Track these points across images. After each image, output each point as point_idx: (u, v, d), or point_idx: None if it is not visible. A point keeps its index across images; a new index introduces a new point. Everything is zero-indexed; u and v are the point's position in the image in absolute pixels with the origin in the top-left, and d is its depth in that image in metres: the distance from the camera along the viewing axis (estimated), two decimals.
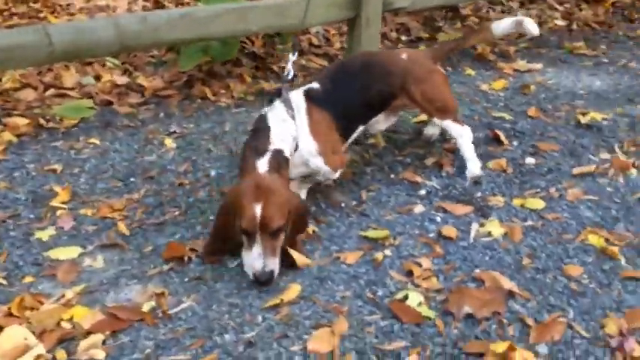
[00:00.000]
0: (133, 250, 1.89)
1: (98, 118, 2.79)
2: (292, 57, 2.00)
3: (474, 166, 2.21)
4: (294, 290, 1.66)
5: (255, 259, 1.65)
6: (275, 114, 1.88)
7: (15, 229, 1.98)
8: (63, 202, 2.14)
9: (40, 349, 1.46)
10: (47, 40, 2.32)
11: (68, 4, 4.11)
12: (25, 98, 2.91)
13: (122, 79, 3.10)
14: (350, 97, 2.01)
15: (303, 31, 3.69)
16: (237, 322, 1.56)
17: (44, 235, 1.96)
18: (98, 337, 1.51)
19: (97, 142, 2.56)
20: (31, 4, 4.15)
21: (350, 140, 2.10)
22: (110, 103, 2.92)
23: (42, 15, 3.90)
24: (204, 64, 3.18)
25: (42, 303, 1.65)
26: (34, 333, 1.51)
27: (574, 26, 4.11)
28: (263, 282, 1.66)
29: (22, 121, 2.69)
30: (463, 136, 2.22)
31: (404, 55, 2.19)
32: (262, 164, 1.77)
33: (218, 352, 1.46)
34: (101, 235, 1.97)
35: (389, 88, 2.11)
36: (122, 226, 1.99)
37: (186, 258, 1.81)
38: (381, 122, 2.23)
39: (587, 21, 4.19)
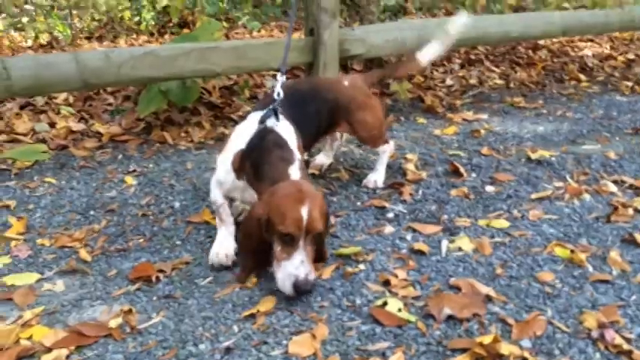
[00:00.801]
0: (96, 275, 1.79)
1: (53, 160, 2.71)
2: (281, 77, 2.03)
3: (379, 178, 2.39)
4: (269, 301, 1.60)
5: (298, 266, 1.56)
6: (283, 128, 1.88)
7: None
8: (18, 233, 2.03)
9: None
10: (5, 74, 2.28)
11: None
12: None
13: (78, 126, 3.05)
14: (305, 119, 2.05)
15: (257, 84, 3.79)
16: (211, 333, 1.48)
17: None
18: (62, 352, 1.40)
19: (53, 180, 2.48)
20: None
21: None
22: (65, 147, 2.85)
23: None
24: (162, 112, 3.18)
25: None
26: None
27: (511, 85, 4.39)
28: (304, 292, 1.58)
29: None
30: (386, 151, 2.41)
31: (346, 83, 2.29)
32: (295, 171, 1.73)
33: None
34: (60, 262, 1.86)
35: (333, 115, 2.19)
36: (84, 253, 1.89)
37: (154, 278, 1.73)
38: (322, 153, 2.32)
39: (523, 81, 4.49)
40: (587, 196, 2.32)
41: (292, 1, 2.15)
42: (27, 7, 6.23)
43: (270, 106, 1.92)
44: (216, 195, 1.92)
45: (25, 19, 5.74)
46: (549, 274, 1.75)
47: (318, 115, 2.12)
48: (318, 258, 1.73)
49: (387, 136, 2.42)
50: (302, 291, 1.57)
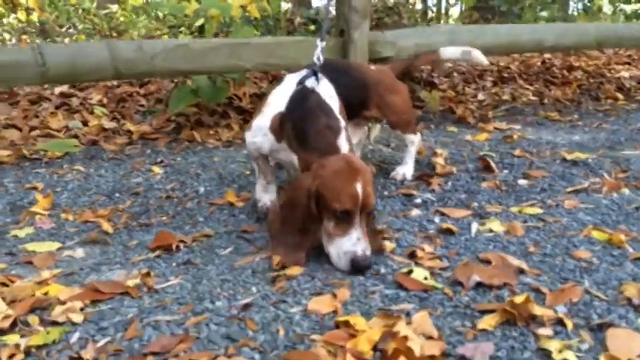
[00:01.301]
0: (117, 245, 1.77)
1: (83, 153, 2.74)
2: (321, 43, 1.96)
3: (408, 170, 2.32)
4: (292, 269, 1.55)
5: (355, 243, 1.51)
6: (325, 90, 1.80)
7: None
8: (44, 209, 2.03)
9: (7, 311, 1.31)
10: (41, 60, 2.34)
11: None
12: (10, 137, 2.87)
13: (110, 124, 3.09)
14: (338, 90, 1.96)
15: None
16: (229, 293, 1.43)
17: (21, 232, 1.84)
18: (76, 304, 1.37)
19: (82, 169, 2.50)
20: None
21: None
22: (96, 142, 2.89)
23: None
24: (193, 115, 3.21)
25: (14, 282, 1.50)
26: (4, 300, 1.36)
27: (546, 101, 4.31)
28: (363, 268, 1.51)
29: (3, 152, 2.62)
30: (414, 142, 2.34)
31: (373, 67, 2.29)
32: (343, 143, 1.67)
33: (209, 315, 1.33)
34: (82, 235, 1.85)
35: (363, 95, 2.15)
36: (106, 226, 1.88)
37: (174, 247, 1.70)
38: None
39: (558, 98, 4.41)
40: (626, 190, 2.22)
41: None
42: (70, 31, 6.49)
43: (310, 68, 1.85)
44: (252, 152, 1.89)
45: (66, 41, 5.95)
46: (586, 252, 1.65)
47: (348, 90, 2.03)
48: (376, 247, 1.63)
49: (415, 127, 2.37)
50: (361, 267, 1.50)
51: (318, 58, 1.90)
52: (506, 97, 4.34)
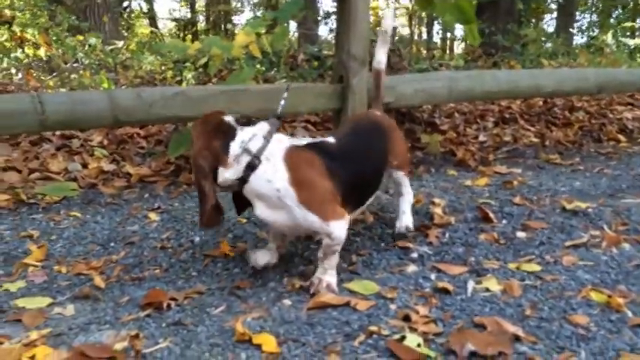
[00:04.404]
0: (108, 301, 1.75)
1: (81, 197, 2.74)
2: (285, 94, 1.97)
3: (408, 220, 2.23)
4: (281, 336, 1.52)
5: None
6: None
7: None
8: (37, 261, 2.02)
9: None
10: (40, 109, 2.35)
11: None
12: (9, 179, 2.87)
13: (109, 167, 3.10)
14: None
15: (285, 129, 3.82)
16: None
17: (12, 287, 1.83)
18: None
19: (79, 214, 2.49)
20: None
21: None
22: (95, 185, 2.89)
23: None
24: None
25: (1, 343, 1.48)
26: None
27: (547, 143, 4.30)
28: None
29: (1, 197, 2.63)
30: (411, 192, 2.26)
31: (377, 112, 2.24)
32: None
33: None
34: (74, 289, 1.83)
35: (385, 144, 2.08)
36: (98, 280, 1.86)
37: (165, 305, 1.68)
38: None
39: (559, 140, 4.40)
40: (626, 245, 2.19)
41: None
42: (75, 65, 6.56)
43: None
44: None
45: (73, 76, 6.02)
46: (584, 317, 1.62)
47: (376, 143, 2.05)
48: None
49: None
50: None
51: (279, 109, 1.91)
52: (507, 138, 4.34)
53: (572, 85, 3.61)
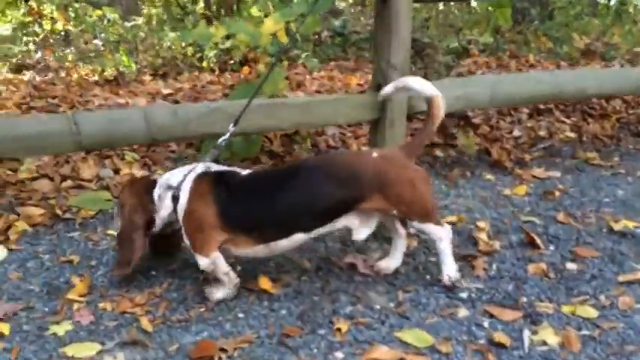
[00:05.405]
0: (157, 348, 1.72)
1: (115, 210, 2.69)
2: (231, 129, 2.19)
3: (450, 270, 2.05)
4: None
5: None
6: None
7: (28, 323, 1.82)
8: (80, 295, 1.99)
9: None
10: (75, 129, 2.28)
11: (87, 101, 4.15)
12: (41, 189, 2.83)
13: (140, 173, 3.04)
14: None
15: (319, 132, 3.73)
16: None
17: (60, 329, 1.80)
18: None
19: (114, 233, 2.45)
20: (50, 100, 4.20)
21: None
22: None
23: (61, 110, 3.92)
24: (224, 160, 3.15)
25: None
26: None
27: (584, 138, 4.18)
28: None
29: (37, 211, 2.59)
30: (443, 239, 2.03)
31: (375, 155, 2.00)
32: None
33: None
34: (121, 331, 1.81)
35: (352, 192, 1.92)
36: (145, 322, 1.83)
37: (216, 357, 1.65)
38: (357, 228, 2.01)
39: (597, 134, 4.27)
40: None
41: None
42: (95, 42, 6.44)
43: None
44: None
45: (92, 54, 5.92)
46: None
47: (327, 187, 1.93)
48: None
49: (439, 218, 2.06)
50: None
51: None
52: (542, 132, 4.22)
53: (616, 86, 3.47)
